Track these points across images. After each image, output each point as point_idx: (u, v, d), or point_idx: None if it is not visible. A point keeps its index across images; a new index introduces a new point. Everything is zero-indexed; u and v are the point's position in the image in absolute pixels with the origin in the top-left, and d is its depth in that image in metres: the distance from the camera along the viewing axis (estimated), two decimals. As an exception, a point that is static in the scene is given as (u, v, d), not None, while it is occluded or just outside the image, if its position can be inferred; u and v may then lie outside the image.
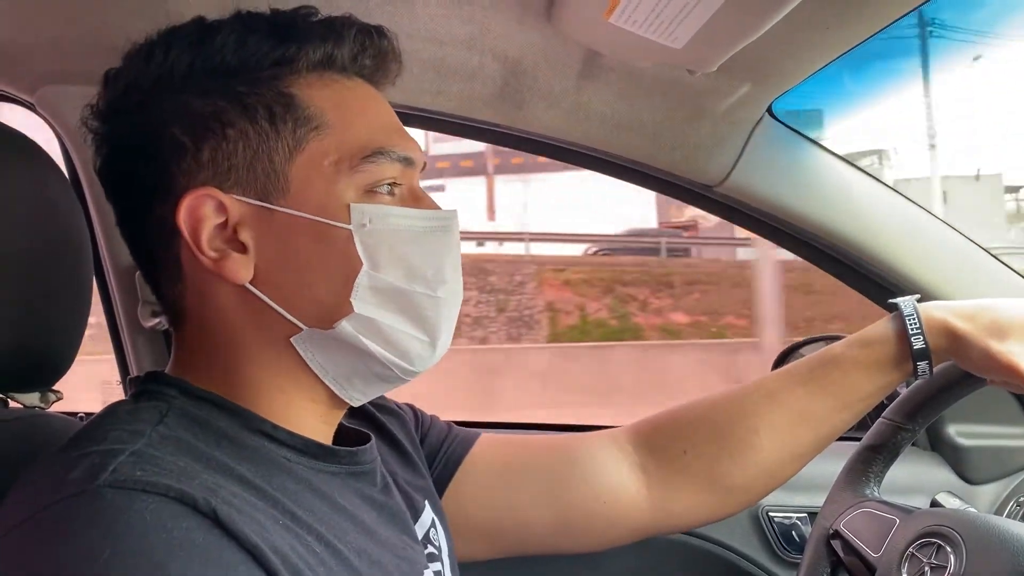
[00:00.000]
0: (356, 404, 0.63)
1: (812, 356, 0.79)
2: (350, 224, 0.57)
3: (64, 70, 0.98)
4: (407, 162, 0.60)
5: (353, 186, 0.58)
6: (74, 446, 0.51)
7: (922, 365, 0.73)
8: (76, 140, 1.05)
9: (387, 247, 0.58)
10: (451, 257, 0.61)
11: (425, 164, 0.63)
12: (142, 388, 0.59)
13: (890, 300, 0.76)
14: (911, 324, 0.73)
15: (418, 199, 0.61)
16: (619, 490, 0.79)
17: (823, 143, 1.06)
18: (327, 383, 0.60)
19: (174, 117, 0.57)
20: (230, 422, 0.56)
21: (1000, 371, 0.70)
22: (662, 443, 0.80)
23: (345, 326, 0.57)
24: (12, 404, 0.68)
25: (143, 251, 0.61)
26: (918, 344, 0.73)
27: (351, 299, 0.57)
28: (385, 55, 0.63)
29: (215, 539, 0.46)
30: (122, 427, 0.52)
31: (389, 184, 0.59)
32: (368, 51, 0.61)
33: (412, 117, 1.03)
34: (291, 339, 0.58)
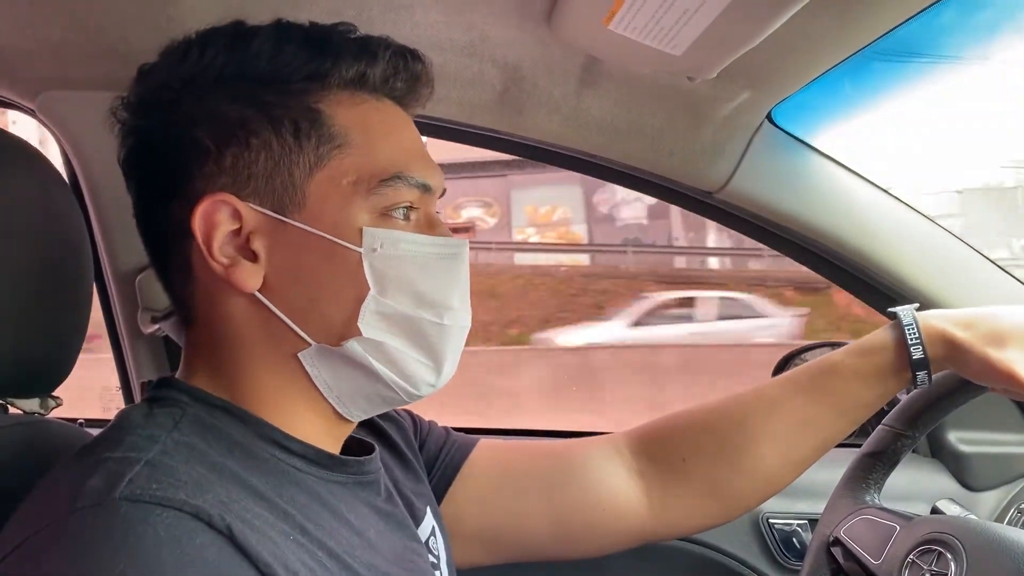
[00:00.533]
0: (355, 420, 0.63)
1: (811, 364, 0.79)
2: (361, 247, 0.57)
3: (65, 76, 0.98)
4: (425, 188, 0.60)
5: (368, 208, 0.58)
6: (90, 452, 0.51)
7: (921, 375, 0.73)
8: (78, 146, 1.05)
9: (396, 273, 0.58)
10: (459, 285, 0.62)
11: (444, 191, 0.64)
12: (156, 394, 0.59)
13: (889, 309, 0.77)
14: (910, 333, 0.73)
15: (433, 226, 0.61)
16: (618, 496, 0.79)
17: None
18: (330, 400, 0.60)
19: (201, 119, 0.57)
20: (242, 430, 0.56)
21: (999, 379, 0.70)
22: (661, 449, 0.80)
23: (354, 345, 0.57)
24: (12, 410, 0.68)
25: (156, 248, 0.61)
26: (917, 354, 0.73)
27: (358, 323, 0.57)
28: (418, 79, 0.63)
29: (228, 557, 0.46)
30: (137, 433, 0.52)
31: (405, 208, 0.59)
32: (401, 74, 0.62)
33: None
34: (298, 354, 0.58)
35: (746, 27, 0.72)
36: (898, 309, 0.75)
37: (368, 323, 0.57)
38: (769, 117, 1.01)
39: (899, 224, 1.07)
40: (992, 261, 1.07)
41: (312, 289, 0.57)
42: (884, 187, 1.07)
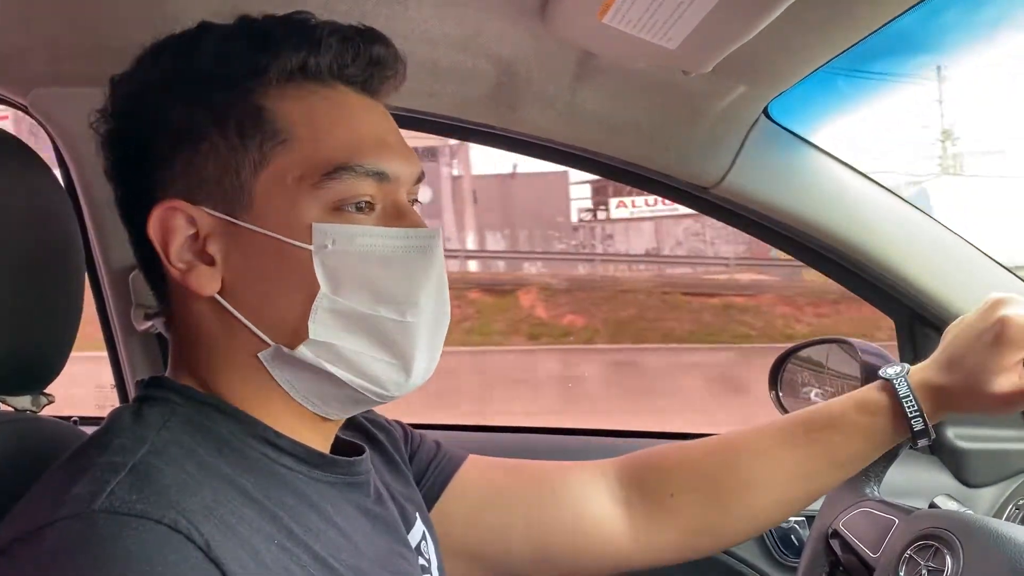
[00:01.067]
0: (336, 418, 0.63)
1: (810, 414, 0.78)
2: (311, 244, 0.55)
3: (58, 72, 0.97)
4: (381, 176, 0.57)
5: (318, 204, 0.55)
6: (81, 454, 0.52)
7: (922, 442, 0.74)
8: (70, 142, 1.04)
9: (350, 269, 0.56)
10: (429, 279, 0.58)
11: (422, 175, 0.61)
12: (146, 393, 0.59)
13: (880, 372, 0.76)
14: (908, 406, 0.73)
15: (401, 216, 0.58)
16: (602, 525, 0.78)
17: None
18: (298, 400, 0.59)
19: (156, 126, 0.57)
20: (232, 428, 0.56)
21: (998, 408, 0.71)
22: (650, 483, 0.80)
23: (304, 351, 0.56)
24: (3, 407, 0.68)
25: (137, 253, 0.61)
26: (918, 426, 0.73)
27: (308, 323, 0.55)
28: (377, 63, 0.60)
29: (202, 572, 0.45)
30: (126, 435, 0.52)
31: (365, 202, 0.57)
32: (358, 59, 0.59)
33: (405, 119, 1.02)
34: (257, 355, 0.57)
35: (741, 20, 0.72)
36: (891, 375, 0.75)
37: (321, 322, 0.55)
38: (766, 112, 1.00)
39: (896, 219, 1.07)
40: (988, 256, 1.07)
41: (267, 289, 0.56)
42: (881, 183, 1.07)
